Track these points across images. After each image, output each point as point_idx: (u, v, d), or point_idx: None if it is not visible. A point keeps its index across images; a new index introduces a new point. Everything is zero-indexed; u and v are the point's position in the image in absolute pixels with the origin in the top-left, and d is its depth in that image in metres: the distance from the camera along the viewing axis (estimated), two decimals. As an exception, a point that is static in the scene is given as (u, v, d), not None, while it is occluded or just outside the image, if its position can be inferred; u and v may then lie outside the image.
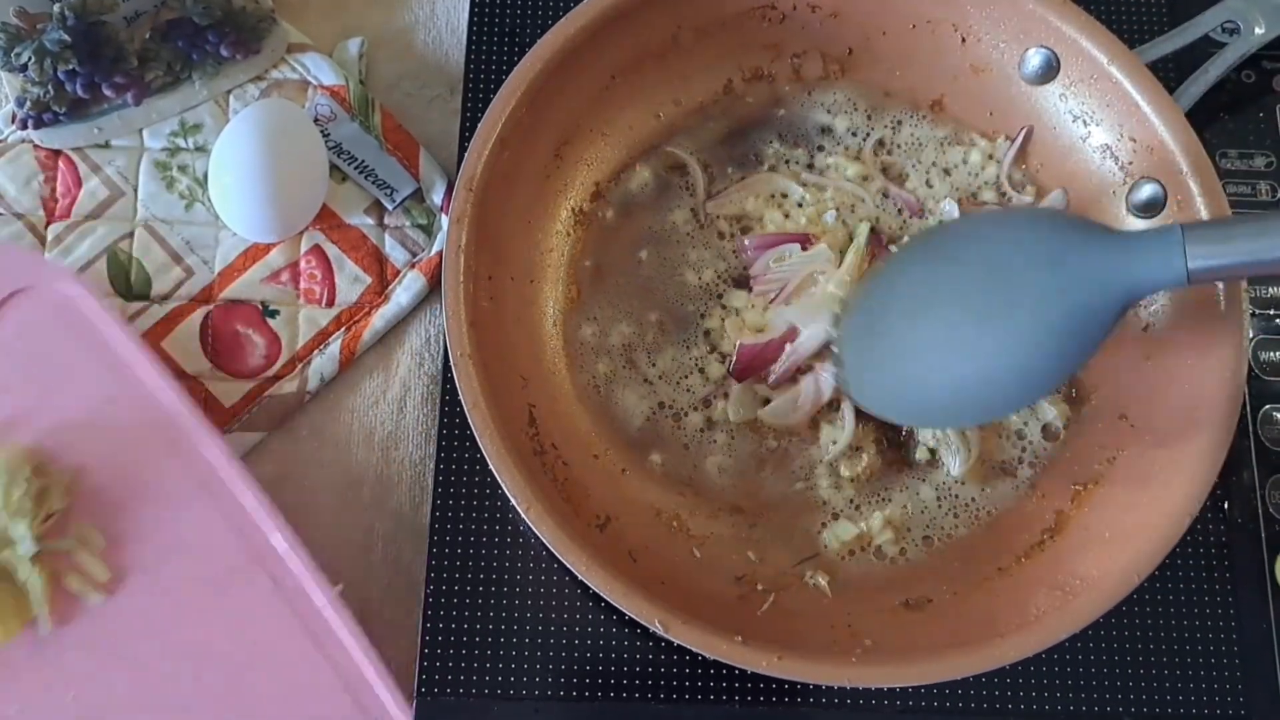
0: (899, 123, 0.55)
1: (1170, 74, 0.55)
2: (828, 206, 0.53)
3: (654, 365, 0.52)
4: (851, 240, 0.52)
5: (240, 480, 0.48)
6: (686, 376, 0.52)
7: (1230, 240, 0.38)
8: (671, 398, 0.52)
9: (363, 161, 0.55)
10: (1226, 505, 0.52)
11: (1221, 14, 0.55)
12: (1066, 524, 0.49)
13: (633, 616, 0.42)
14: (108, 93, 0.54)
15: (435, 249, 0.55)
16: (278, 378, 0.53)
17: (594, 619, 0.49)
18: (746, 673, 0.46)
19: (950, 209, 0.53)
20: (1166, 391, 0.48)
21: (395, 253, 0.55)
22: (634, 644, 0.49)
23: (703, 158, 0.55)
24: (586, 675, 0.48)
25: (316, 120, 0.55)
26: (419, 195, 0.56)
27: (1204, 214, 0.47)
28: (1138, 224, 0.51)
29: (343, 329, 0.54)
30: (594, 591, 0.43)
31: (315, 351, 0.54)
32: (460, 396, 0.45)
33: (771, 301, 0.51)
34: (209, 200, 0.54)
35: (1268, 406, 0.53)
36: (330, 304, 0.54)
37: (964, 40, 0.53)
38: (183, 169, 0.55)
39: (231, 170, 0.52)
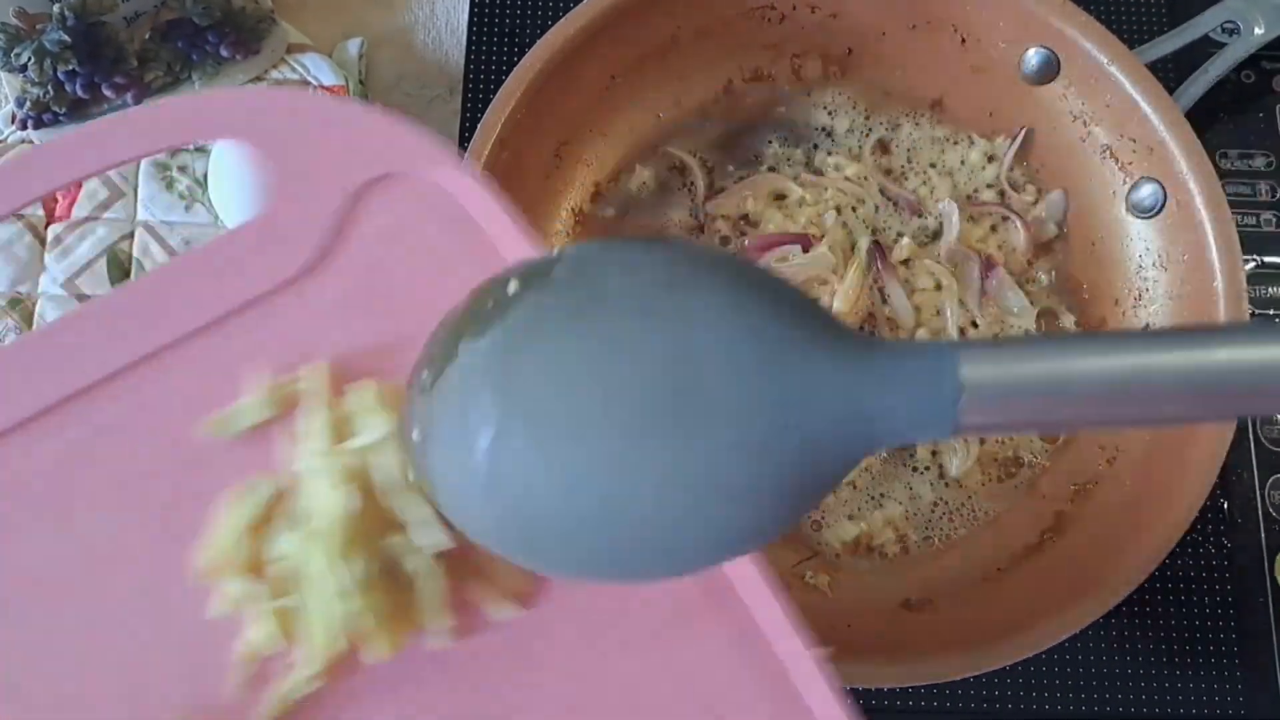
0: (898, 123, 0.55)
1: (1170, 74, 0.55)
2: (828, 206, 0.53)
3: (654, 365, 0.51)
4: (852, 241, 0.52)
5: None
6: (686, 377, 0.52)
7: (1020, 392, 0.25)
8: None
9: (362, 162, 0.55)
10: (1226, 505, 0.52)
11: (1221, 14, 0.55)
12: (1066, 524, 0.49)
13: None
14: (107, 93, 0.54)
15: (435, 249, 0.55)
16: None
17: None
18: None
19: (949, 209, 0.53)
20: (1166, 391, 0.48)
21: (395, 253, 0.55)
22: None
23: (703, 158, 0.55)
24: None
25: (316, 120, 0.55)
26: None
27: (1205, 213, 0.47)
28: (1137, 223, 0.51)
29: (342, 329, 0.54)
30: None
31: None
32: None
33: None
34: (209, 201, 0.54)
35: (1267, 406, 0.53)
36: (330, 304, 0.54)
37: (964, 40, 0.53)
38: (183, 169, 0.55)
39: (231, 170, 0.52)
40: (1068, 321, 0.52)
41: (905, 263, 0.52)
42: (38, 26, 0.51)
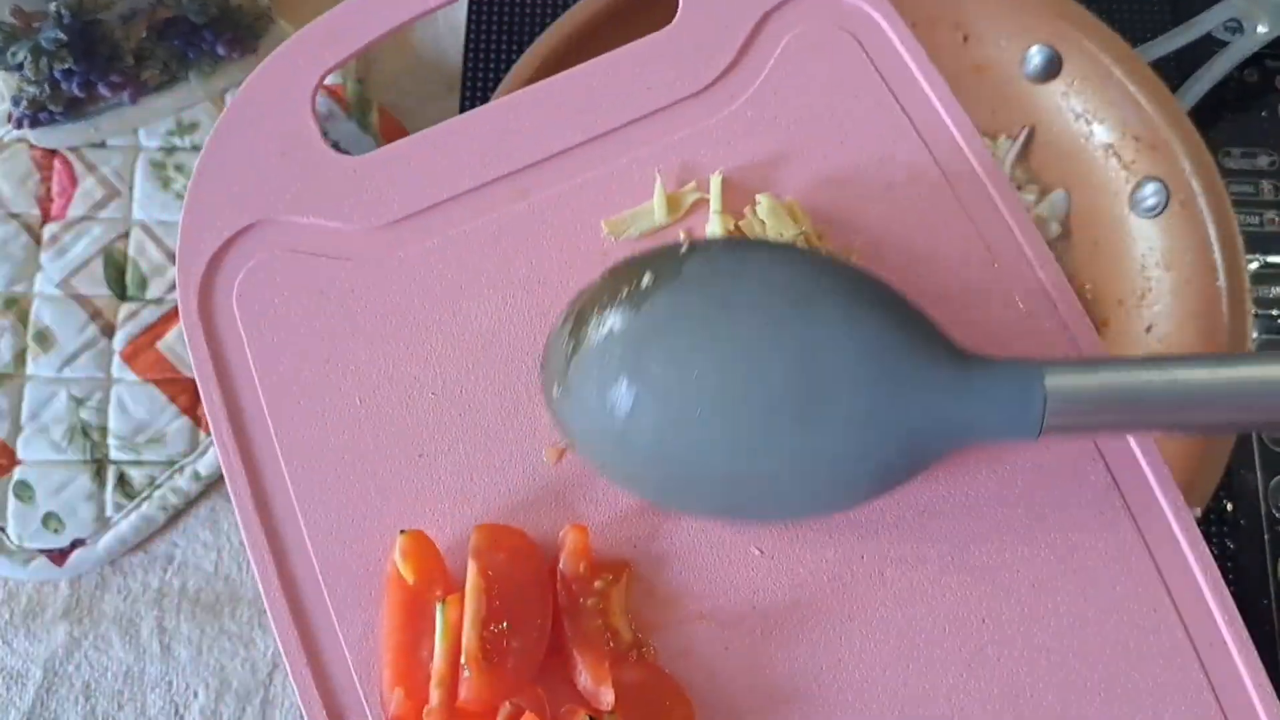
0: (900, 121, 0.55)
1: (1173, 72, 0.55)
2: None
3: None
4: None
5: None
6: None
7: (1098, 405, 0.29)
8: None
9: (360, 161, 0.55)
10: (1229, 506, 0.52)
11: (1224, 12, 0.55)
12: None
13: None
14: (104, 92, 0.54)
15: (433, 249, 0.55)
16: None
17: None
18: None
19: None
20: (1169, 392, 0.48)
21: (393, 252, 0.55)
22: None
23: (703, 157, 0.55)
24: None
25: (314, 119, 0.55)
26: (417, 194, 0.56)
27: (1208, 212, 0.47)
28: (1140, 223, 0.50)
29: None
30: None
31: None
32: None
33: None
34: (206, 200, 0.54)
35: (1271, 407, 0.53)
36: (328, 304, 0.54)
37: (965, 39, 0.53)
38: (179, 168, 0.55)
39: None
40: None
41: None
42: (34, 25, 0.51)
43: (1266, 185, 0.56)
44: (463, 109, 0.56)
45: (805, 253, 0.33)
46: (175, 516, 0.51)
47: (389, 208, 0.35)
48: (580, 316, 0.31)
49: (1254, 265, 0.55)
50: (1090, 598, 0.32)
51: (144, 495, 0.51)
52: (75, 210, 0.54)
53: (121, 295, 0.53)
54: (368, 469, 0.33)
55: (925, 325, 0.30)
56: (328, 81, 0.56)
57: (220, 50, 0.55)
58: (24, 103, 0.53)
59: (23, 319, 0.53)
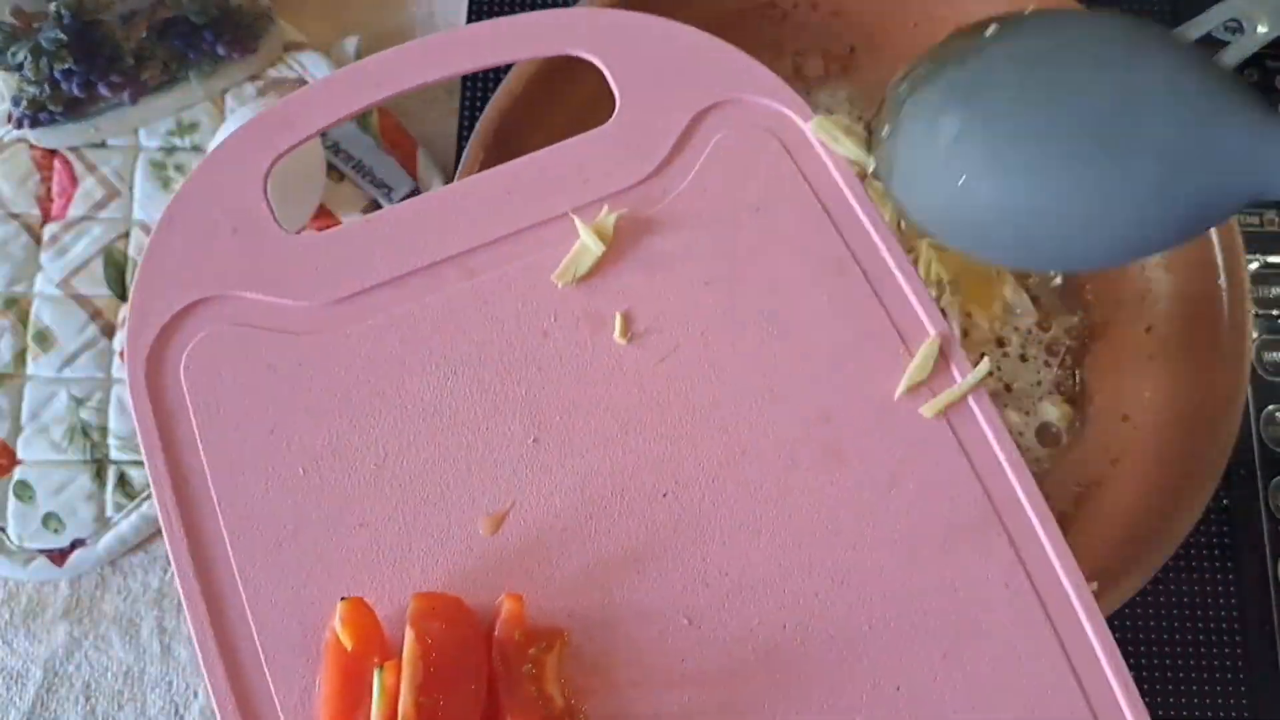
0: (900, 121, 0.55)
1: (1173, 72, 0.55)
2: (828, 206, 0.53)
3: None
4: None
5: (978, 407, 0.35)
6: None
7: None
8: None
9: (360, 161, 0.55)
10: (1229, 506, 0.52)
11: (1224, 12, 0.55)
12: (1069, 526, 0.48)
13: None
14: (104, 92, 0.54)
15: (434, 249, 0.55)
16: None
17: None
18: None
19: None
20: (1169, 392, 0.48)
21: (393, 253, 0.55)
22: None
23: (703, 157, 0.55)
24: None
25: (314, 119, 0.55)
26: (416, 194, 0.55)
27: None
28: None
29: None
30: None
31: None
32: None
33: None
34: (206, 200, 0.54)
35: (1270, 407, 0.53)
36: (328, 304, 0.54)
37: (965, 39, 0.53)
38: (179, 168, 0.55)
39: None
40: (1069, 322, 0.52)
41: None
42: (34, 25, 0.51)
43: (1266, 185, 0.56)
44: (462, 111, 0.56)
45: (1131, 18, 0.37)
46: (175, 517, 0.51)
47: (337, 286, 0.36)
48: (924, 64, 0.36)
49: (1254, 265, 0.55)
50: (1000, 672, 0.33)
51: (144, 495, 0.51)
52: (75, 210, 0.54)
53: (121, 295, 0.53)
54: (309, 538, 0.33)
55: (1233, 77, 0.34)
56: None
57: (220, 51, 0.55)
58: (24, 103, 0.53)
59: (23, 319, 0.53)
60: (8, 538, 0.50)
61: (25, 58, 0.52)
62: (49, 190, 0.55)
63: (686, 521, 0.34)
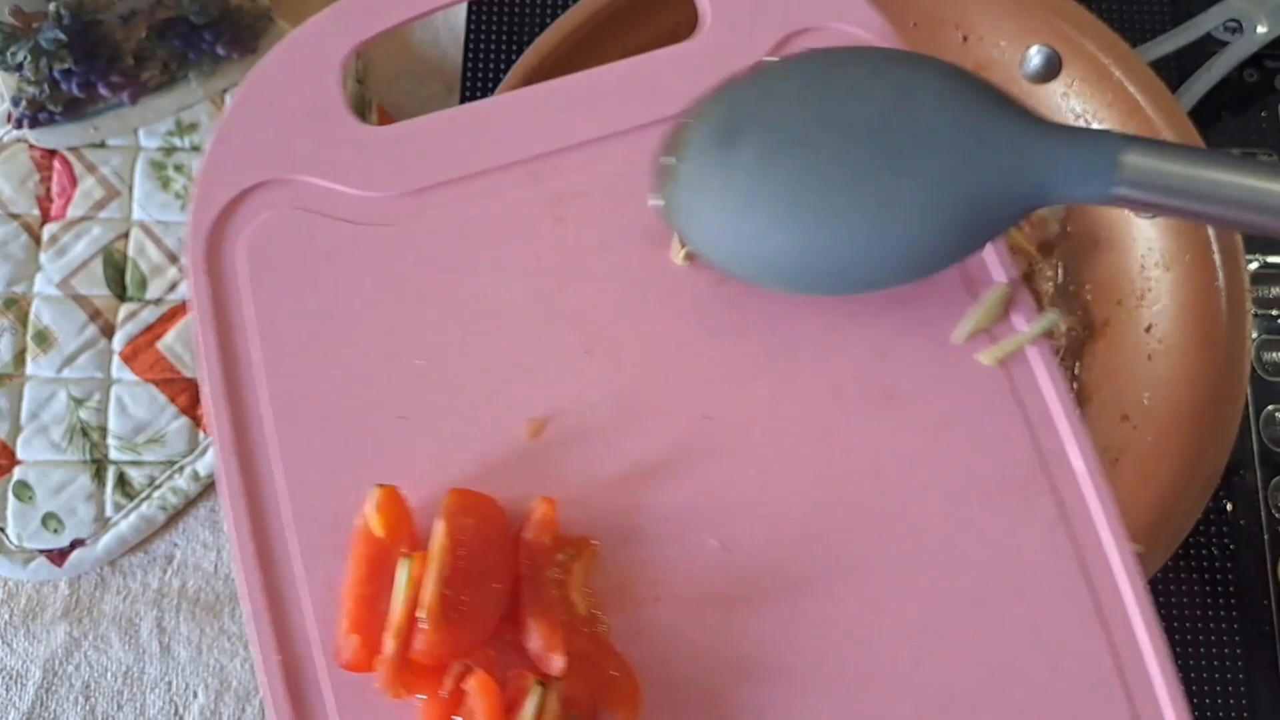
0: (900, 122, 0.55)
1: (1172, 73, 0.55)
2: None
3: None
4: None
5: (1039, 359, 0.34)
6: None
7: (1170, 167, 0.32)
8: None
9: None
10: (1229, 506, 0.52)
11: (1224, 13, 0.55)
12: (1069, 525, 0.48)
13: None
14: (103, 92, 0.54)
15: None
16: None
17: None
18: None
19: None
20: (1168, 392, 0.48)
21: (393, 253, 0.55)
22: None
23: (702, 157, 0.55)
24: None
25: (314, 119, 0.55)
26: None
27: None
28: (1139, 223, 0.50)
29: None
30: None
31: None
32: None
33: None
34: (205, 200, 0.54)
35: (1270, 407, 0.53)
36: (328, 304, 0.54)
37: (965, 39, 0.53)
38: (179, 168, 0.55)
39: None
40: (1068, 321, 0.52)
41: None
42: (34, 25, 0.51)
43: (1266, 185, 0.56)
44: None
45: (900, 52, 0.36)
46: (175, 516, 0.51)
47: (404, 179, 0.36)
48: (702, 97, 0.35)
49: (1254, 265, 0.55)
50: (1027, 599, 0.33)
51: (144, 495, 0.51)
52: (75, 210, 0.54)
53: (121, 295, 0.53)
54: (351, 425, 0.33)
55: (1006, 95, 0.34)
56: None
57: (220, 51, 0.55)
58: (24, 103, 0.53)
59: (22, 319, 0.53)
60: (7, 538, 0.50)
61: (25, 58, 0.52)
62: (49, 190, 0.55)
63: (728, 448, 0.33)
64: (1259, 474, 0.52)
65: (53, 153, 0.55)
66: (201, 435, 0.52)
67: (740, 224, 0.34)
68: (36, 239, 0.54)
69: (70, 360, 0.52)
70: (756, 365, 0.34)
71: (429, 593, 0.30)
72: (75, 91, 0.53)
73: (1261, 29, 0.55)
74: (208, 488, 0.51)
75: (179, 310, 0.53)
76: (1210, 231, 0.47)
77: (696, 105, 0.35)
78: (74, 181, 0.55)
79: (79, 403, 0.52)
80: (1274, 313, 0.54)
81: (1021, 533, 0.33)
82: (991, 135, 0.32)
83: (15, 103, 0.53)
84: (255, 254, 0.35)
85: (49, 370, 0.52)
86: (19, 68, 0.52)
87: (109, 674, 0.49)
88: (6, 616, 0.50)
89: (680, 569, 0.32)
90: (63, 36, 0.51)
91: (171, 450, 0.51)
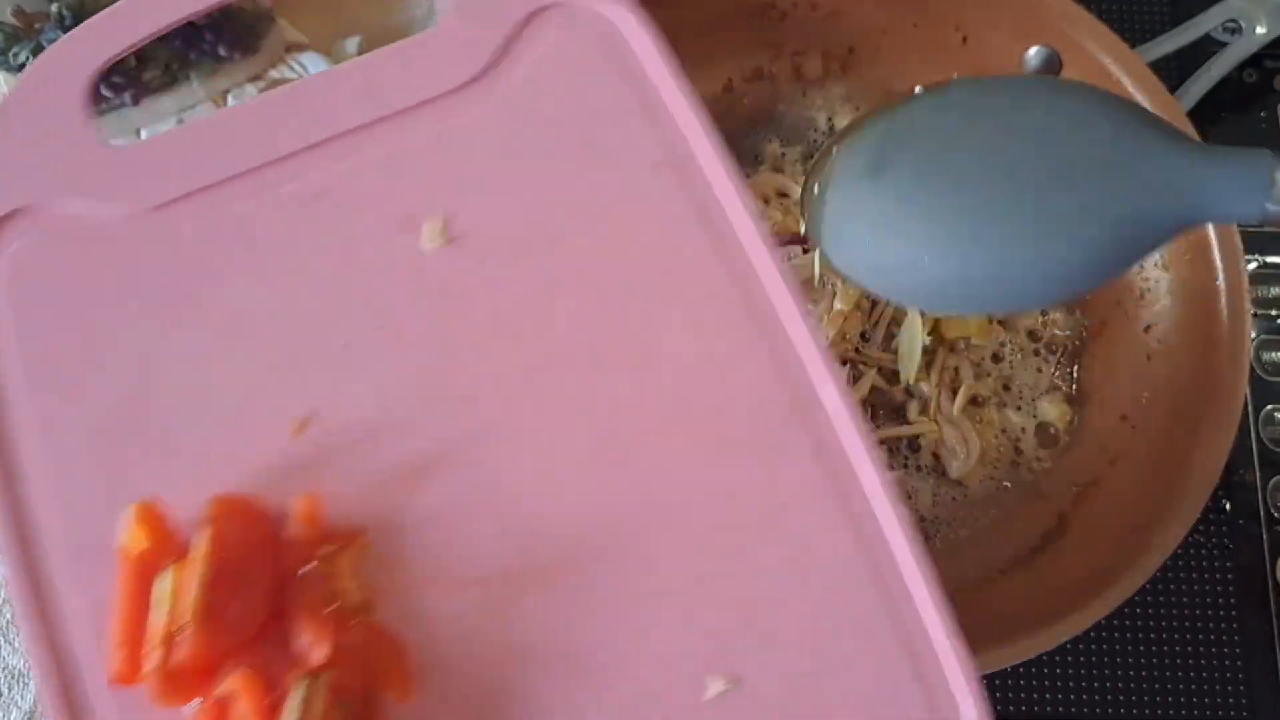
0: (899, 122, 0.55)
1: (1172, 73, 0.55)
2: (828, 206, 0.53)
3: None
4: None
5: (789, 295, 0.35)
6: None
7: None
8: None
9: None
10: (1228, 506, 0.52)
11: (1223, 13, 0.55)
12: (1068, 526, 0.48)
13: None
14: (104, 92, 0.54)
15: (434, 249, 0.55)
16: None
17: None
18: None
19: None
20: (1168, 392, 0.48)
21: (394, 253, 0.55)
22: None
23: (702, 157, 0.55)
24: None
25: (314, 120, 0.55)
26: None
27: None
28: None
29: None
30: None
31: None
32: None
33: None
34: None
35: (1270, 407, 0.53)
36: (328, 304, 0.54)
37: (965, 39, 0.53)
38: (180, 169, 0.55)
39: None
40: (1068, 321, 0.52)
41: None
42: (35, 26, 0.51)
43: (1266, 186, 0.56)
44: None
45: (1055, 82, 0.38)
46: None
47: (152, 193, 0.36)
48: (848, 126, 0.37)
49: (1253, 265, 0.55)
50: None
51: (145, 495, 0.51)
52: (76, 210, 0.54)
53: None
54: (116, 444, 0.34)
55: (1156, 115, 0.35)
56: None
57: (222, 51, 0.55)
58: (25, 103, 0.53)
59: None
60: (9, 537, 0.50)
61: (27, 58, 0.52)
62: (50, 190, 0.55)
63: (492, 428, 0.34)
64: (1258, 474, 0.52)
65: (54, 153, 0.55)
66: None
67: (891, 246, 0.35)
68: (38, 239, 0.54)
69: None
70: (515, 342, 0.35)
71: (191, 598, 0.30)
72: (77, 92, 0.53)
73: (1261, 29, 0.55)
74: None
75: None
76: (1210, 230, 0.47)
77: (840, 137, 0.36)
78: (75, 182, 0.55)
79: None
80: (1273, 313, 0.54)
81: (782, 480, 0.34)
82: (1144, 156, 0.33)
83: (17, 103, 0.53)
84: (14, 283, 0.35)
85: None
86: (21, 68, 0.52)
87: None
88: (8, 616, 0.50)
89: (454, 553, 0.33)
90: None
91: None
